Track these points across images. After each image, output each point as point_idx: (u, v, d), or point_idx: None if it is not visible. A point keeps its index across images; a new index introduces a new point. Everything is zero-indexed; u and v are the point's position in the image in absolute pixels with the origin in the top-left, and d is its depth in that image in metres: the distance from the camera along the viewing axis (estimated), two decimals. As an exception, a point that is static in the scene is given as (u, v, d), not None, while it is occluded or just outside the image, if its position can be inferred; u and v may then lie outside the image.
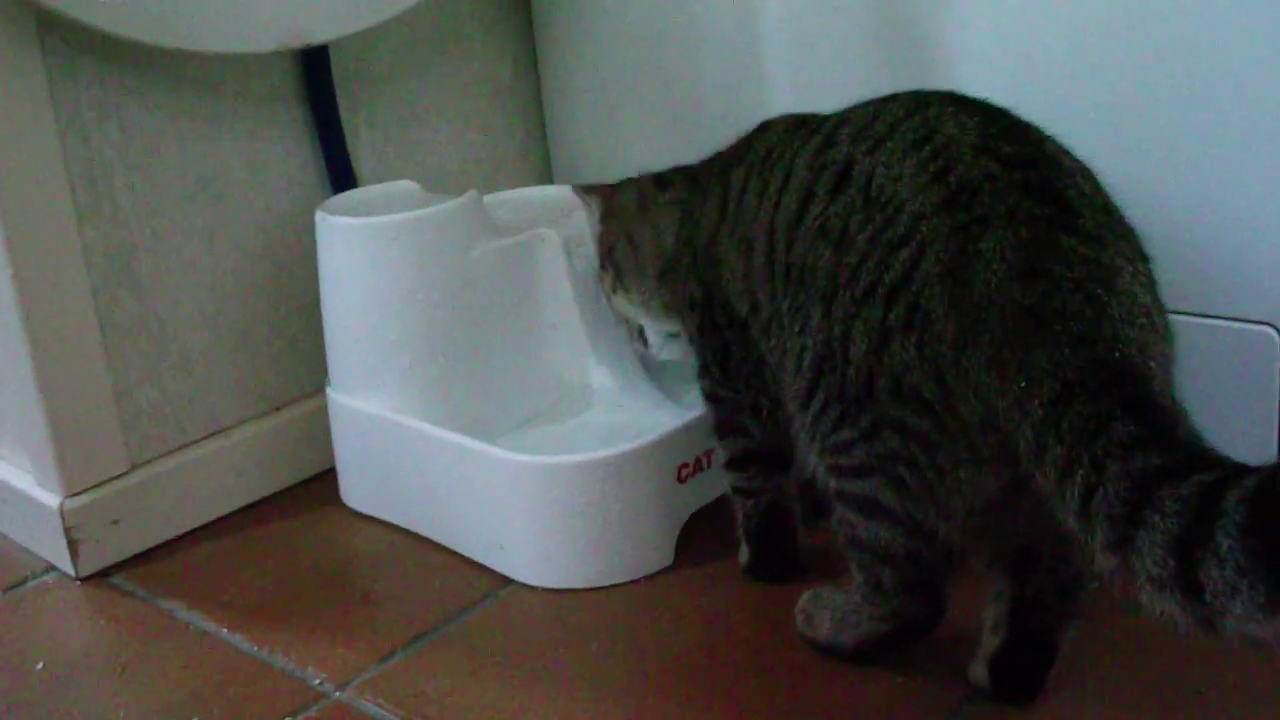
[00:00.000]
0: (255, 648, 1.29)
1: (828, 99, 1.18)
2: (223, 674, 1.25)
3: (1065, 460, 0.85)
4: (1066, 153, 1.02)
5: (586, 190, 1.45)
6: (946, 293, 0.93)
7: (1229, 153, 1.24)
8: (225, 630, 1.32)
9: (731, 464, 1.31)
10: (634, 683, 1.20)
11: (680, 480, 1.37)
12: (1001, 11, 1.33)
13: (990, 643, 1.10)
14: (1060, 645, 1.09)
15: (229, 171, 1.53)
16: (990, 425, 0.92)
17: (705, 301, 1.26)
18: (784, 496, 1.30)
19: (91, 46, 1.39)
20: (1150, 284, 0.96)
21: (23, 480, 1.49)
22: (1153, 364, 0.90)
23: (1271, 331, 1.27)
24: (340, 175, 1.61)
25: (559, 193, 1.69)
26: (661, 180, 1.38)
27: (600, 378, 1.53)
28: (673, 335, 1.39)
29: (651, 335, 1.41)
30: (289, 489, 1.60)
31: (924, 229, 0.96)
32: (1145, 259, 0.98)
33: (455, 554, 1.42)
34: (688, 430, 1.37)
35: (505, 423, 1.49)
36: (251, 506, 1.57)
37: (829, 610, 1.17)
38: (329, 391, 1.53)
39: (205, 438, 1.55)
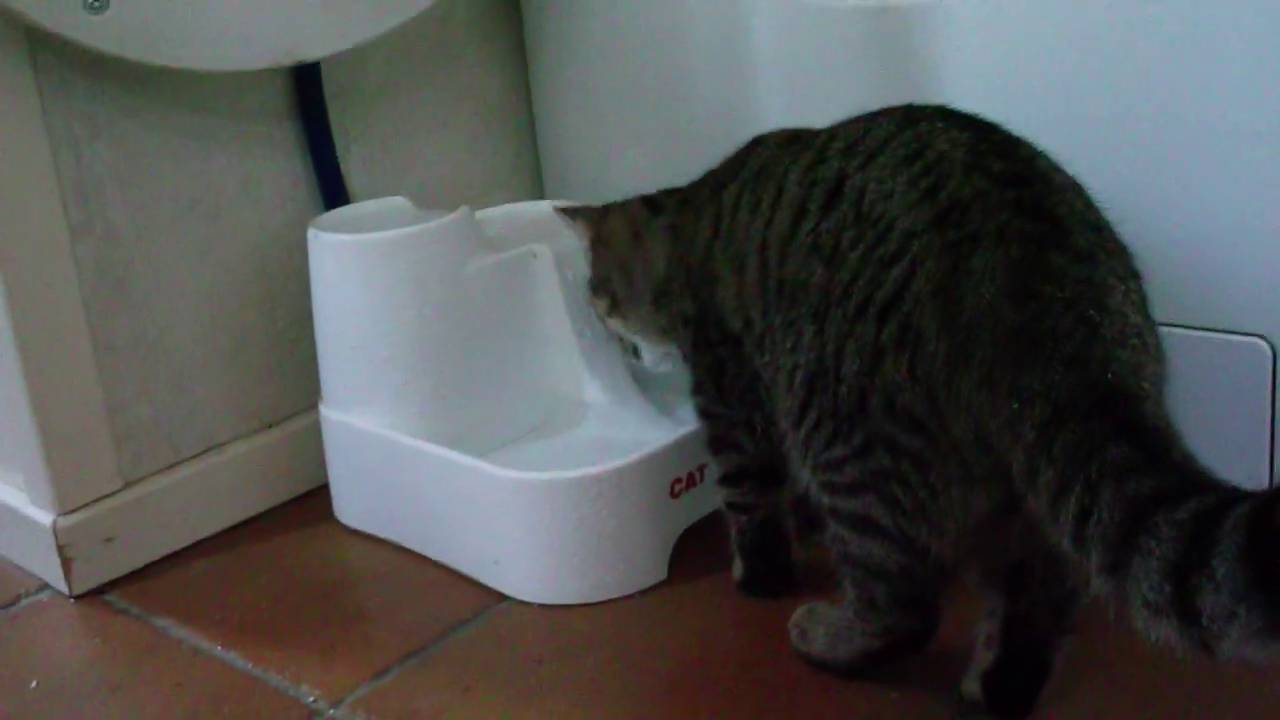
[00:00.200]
0: (249, 665, 1.29)
1: (820, 114, 1.19)
2: (217, 692, 1.25)
3: (1058, 484, 0.84)
4: (1058, 169, 1.03)
5: (571, 214, 1.43)
6: (938, 312, 0.93)
7: (1218, 163, 1.24)
8: (219, 648, 1.32)
9: (725, 480, 1.31)
10: (629, 698, 1.20)
11: (674, 495, 1.37)
12: (992, 26, 1.34)
13: (984, 658, 1.10)
14: (1054, 661, 1.09)
15: (221, 188, 1.53)
16: (983, 445, 0.92)
17: (699, 318, 1.26)
18: (778, 512, 1.30)
19: (83, 64, 1.39)
20: (1142, 302, 0.96)
21: (16, 498, 1.49)
22: (1145, 385, 0.90)
23: (1263, 344, 1.27)
24: (332, 192, 1.61)
25: (551, 208, 1.69)
26: (653, 205, 1.36)
27: (593, 392, 1.53)
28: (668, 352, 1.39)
29: (647, 354, 1.42)
30: (282, 505, 1.60)
31: (915, 247, 0.96)
32: (1137, 276, 0.98)
33: (449, 570, 1.42)
34: (681, 445, 1.37)
35: (499, 438, 1.49)
36: (245, 523, 1.56)
37: (823, 625, 1.18)
38: (322, 408, 1.53)
39: (198, 454, 1.55)
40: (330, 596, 1.41)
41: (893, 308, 0.96)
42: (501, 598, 1.36)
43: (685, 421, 1.39)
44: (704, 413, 1.30)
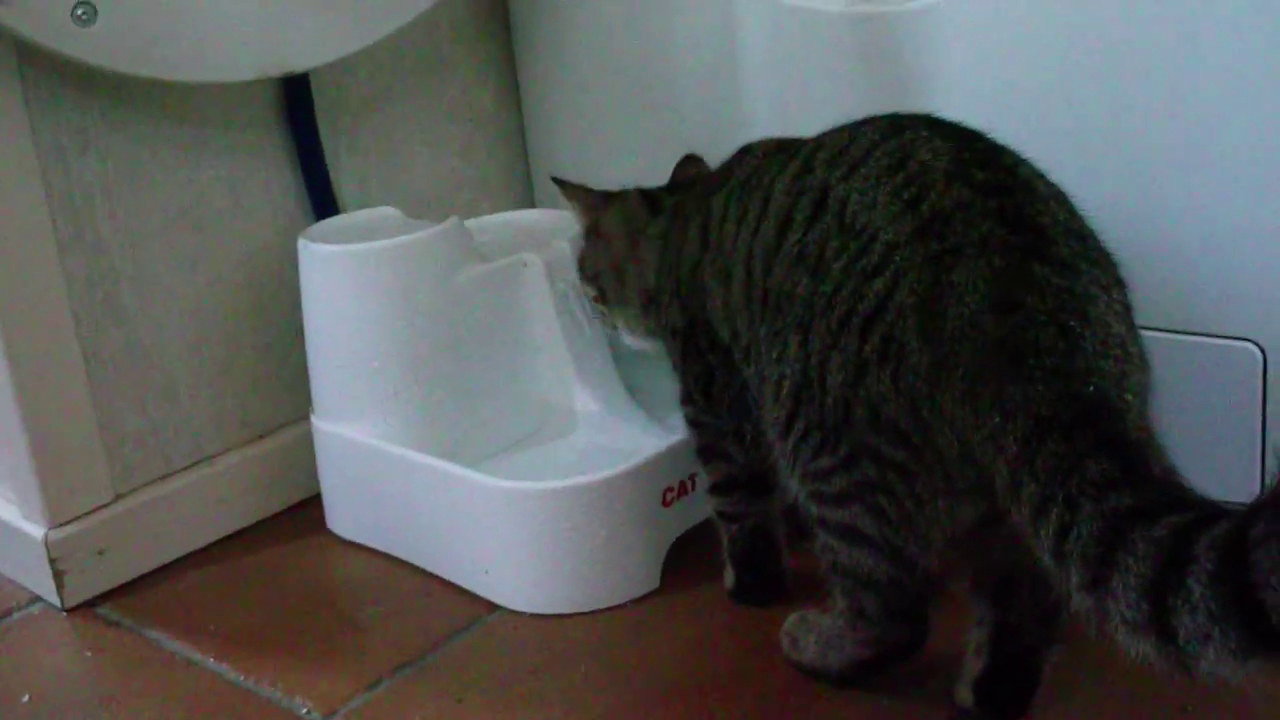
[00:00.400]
0: (242, 677, 1.29)
1: (810, 121, 1.19)
2: (210, 703, 1.26)
3: (1040, 498, 0.85)
4: (1041, 177, 1.03)
5: (571, 191, 1.43)
6: (920, 325, 0.93)
7: (1208, 167, 1.24)
8: (212, 659, 1.32)
9: (716, 489, 1.31)
10: (621, 706, 1.20)
11: (665, 504, 1.37)
12: (981, 33, 1.34)
13: (973, 666, 1.10)
14: (1043, 669, 1.09)
15: (211, 200, 1.53)
16: (967, 458, 0.92)
17: (688, 329, 1.26)
18: (768, 520, 1.30)
19: (72, 77, 1.39)
20: (1125, 312, 0.96)
21: (7, 511, 1.49)
22: (1128, 396, 0.90)
23: (1253, 347, 1.27)
24: (322, 202, 1.61)
25: (541, 216, 1.69)
26: (653, 204, 1.36)
27: (584, 401, 1.53)
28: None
29: (625, 336, 1.41)
30: (274, 516, 1.60)
31: (897, 259, 0.96)
32: (1121, 285, 0.98)
33: (441, 580, 1.42)
34: (672, 454, 1.37)
35: (490, 447, 1.49)
36: (237, 534, 1.56)
37: (814, 634, 1.17)
38: (313, 419, 1.53)
39: (190, 466, 1.55)
40: (323, 607, 1.41)
41: (876, 320, 0.96)
42: (494, 607, 1.36)
43: (676, 430, 1.38)
44: (693, 422, 1.30)
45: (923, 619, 1.10)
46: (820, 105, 1.44)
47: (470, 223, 1.55)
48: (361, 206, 1.63)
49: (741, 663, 1.24)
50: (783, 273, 1.06)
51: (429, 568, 1.44)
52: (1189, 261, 1.28)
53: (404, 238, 1.44)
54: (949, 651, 1.12)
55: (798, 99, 1.49)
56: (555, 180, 1.46)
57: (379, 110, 1.68)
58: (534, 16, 1.74)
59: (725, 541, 1.33)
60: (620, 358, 1.53)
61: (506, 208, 1.80)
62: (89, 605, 1.44)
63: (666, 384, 1.37)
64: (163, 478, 1.53)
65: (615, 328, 1.42)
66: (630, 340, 1.41)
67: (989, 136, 1.05)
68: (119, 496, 1.49)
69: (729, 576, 1.33)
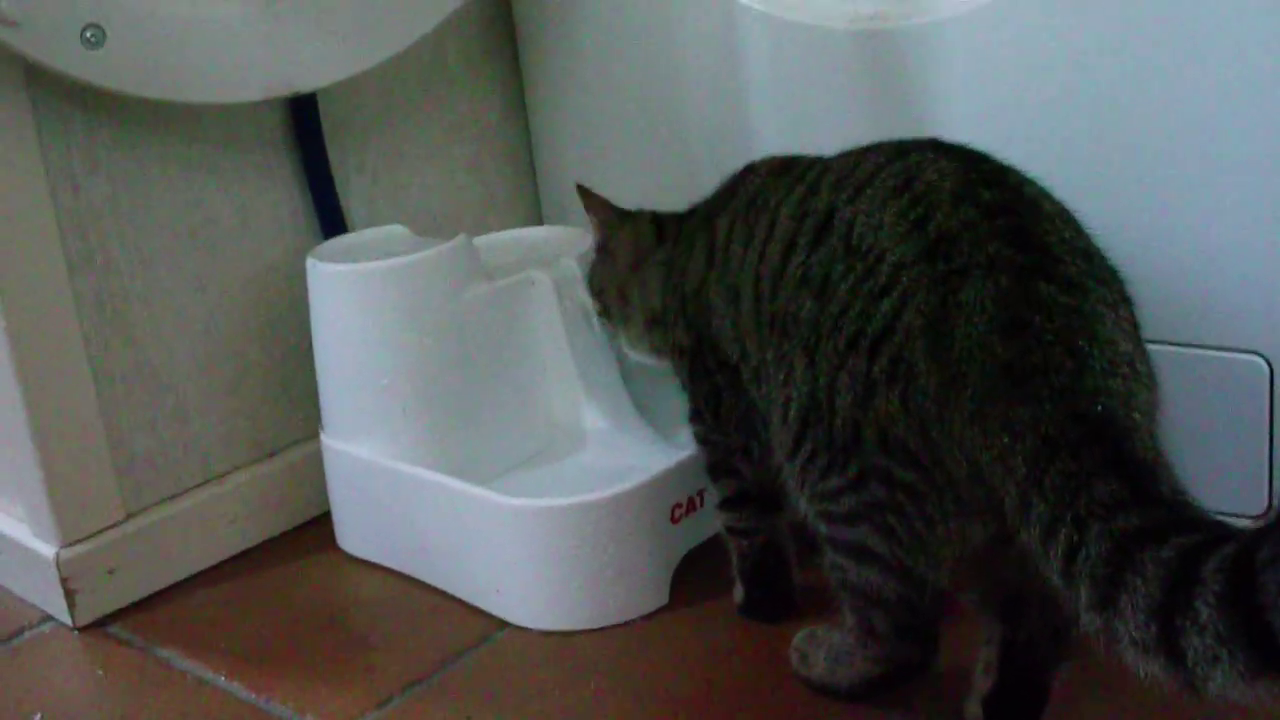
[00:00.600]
0: (253, 695, 1.29)
1: (815, 137, 1.19)
2: (220, 723, 1.26)
3: (1048, 518, 0.85)
4: (1047, 196, 1.03)
5: (591, 203, 1.44)
6: (928, 346, 0.94)
7: (1214, 180, 1.24)
8: (223, 678, 1.33)
9: (725, 505, 1.31)
10: (631, 725, 1.20)
11: (674, 520, 1.37)
12: (985, 49, 1.34)
13: (982, 683, 1.10)
14: (1052, 686, 1.09)
15: (219, 219, 1.54)
16: (977, 478, 0.92)
17: (695, 348, 1.26)
18: (778, 536, 1.30)
19: (81, 98, 1.40)
20: (1133, 329, 0.97)
21: (18, 530, 1.49)
22: (1136, 415, 0.90)
23: (1260, 360, 1.27)
24: (330, 221, 1.61)
25: (549, 234, 1.70)
26: (660, 231, 1.36)
27: (593, 418, 1.53)
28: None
29: (627, 349, 1.42)
30: (284, 535, 1.60)
31: (905, 279, 0.96)
32: (1128, 303, 0.98)
33: (451, 597, 1.42)
34: (681, 470, 1.37)
35: (499, 465, 1.49)
36: (247, 553, 1.57)
37: (824, 650, 1.18)
38: (323, 437, 1.53)
39: (200, 485, 1.55)
40: (333, 625, 1.42)
41: (884, 341, 0.96)
42: (503, 625, 1.37)
43: (684, 446, 1.39)
44: (702, 440, 1.31)
45: (933, 637, 1.10)
46: (824, 121, 1.45)
47: (478, 240, 1.56)
48: (369, 225, 1.64)
49: (751, 679, 1.24)
50: (788, 296, 1.06)
51: (438, 585, 1.44)
52: (1196, 275, 1.28)
53: (412, 256, 1.45)
54: (958, 668, 1.12)
55: (802, 116, 1.49)
56: (579, 188, 1.46)
57: (386, 129, 1.69)
58: (540, 34, 1.75)
59: (735, 557, 1.33)
60: (628, 374, 1.53)
61: (514, 225, 1.80)
62: (100, 624, 1.45)
63: (674, 400, 1.37)
64: (173, 496, 1.53)
65: (620, 341, 1.43)
66: (634, 355, 1.42)
67: (995, 158, 1.05)
68: (130, 515, 1.49)
69: (738, 592, 1.34)
